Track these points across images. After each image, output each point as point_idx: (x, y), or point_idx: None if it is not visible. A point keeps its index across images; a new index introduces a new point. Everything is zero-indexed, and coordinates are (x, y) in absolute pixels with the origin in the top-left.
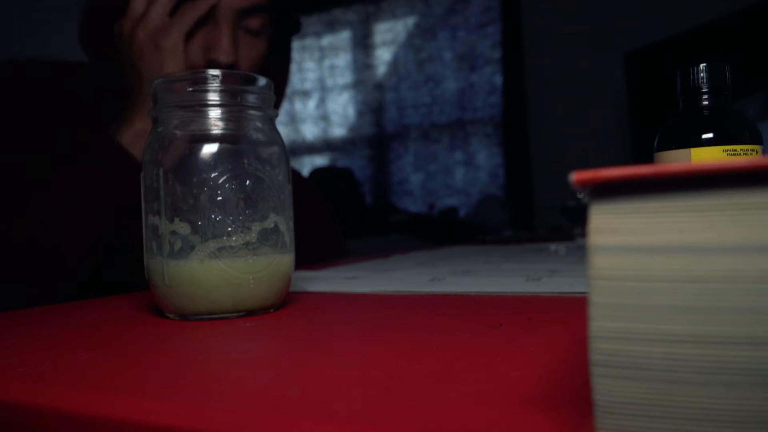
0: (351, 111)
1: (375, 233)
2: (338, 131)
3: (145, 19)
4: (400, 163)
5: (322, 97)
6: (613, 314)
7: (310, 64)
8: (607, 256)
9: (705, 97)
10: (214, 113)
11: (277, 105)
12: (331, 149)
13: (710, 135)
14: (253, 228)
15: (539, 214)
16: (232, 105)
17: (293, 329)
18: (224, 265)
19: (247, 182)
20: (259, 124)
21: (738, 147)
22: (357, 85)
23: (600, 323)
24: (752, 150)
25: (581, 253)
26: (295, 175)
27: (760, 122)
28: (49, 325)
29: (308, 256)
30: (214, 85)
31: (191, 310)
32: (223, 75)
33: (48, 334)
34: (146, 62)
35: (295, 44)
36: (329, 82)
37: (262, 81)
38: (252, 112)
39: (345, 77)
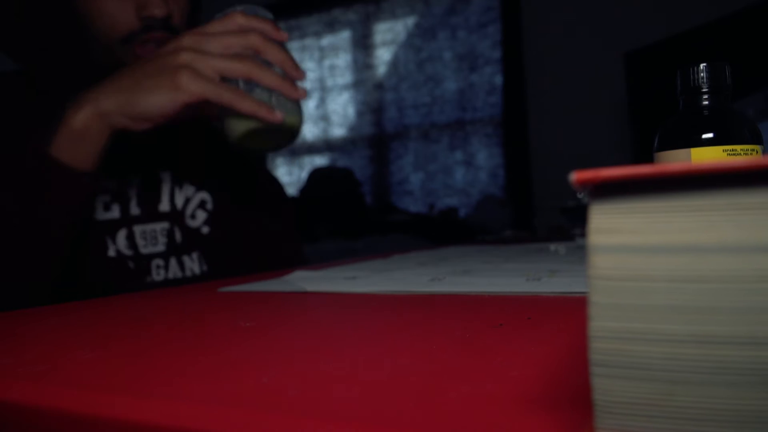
0: (351, 111)
1: (375, 233)
2: (338, 131)
3: None
4: (400, 163)
5: (322, 97)
6: (613, 314)
7: (310, 64)
8: (607, 256)
9: (705, 97)
10: None
11: None
12: (331, 149)
13: (710, 135)
14: None
15: (539, 214)
16: None
17: (292, 329)
18: None
19: None
20: None
21: (738, 147)
22: (357, 85)
23: (600, 323)
24: (752, 150)
25: (581, 253)
26: (265, 173)
27: (760, 122)
28: (49, 325)
29: (262, 259)
30: None
31: None
32: None
33: (48, 334)
34: None
35: (295, 44)
36: (329, 82)
37: None
38: None
39: (345, 77)
